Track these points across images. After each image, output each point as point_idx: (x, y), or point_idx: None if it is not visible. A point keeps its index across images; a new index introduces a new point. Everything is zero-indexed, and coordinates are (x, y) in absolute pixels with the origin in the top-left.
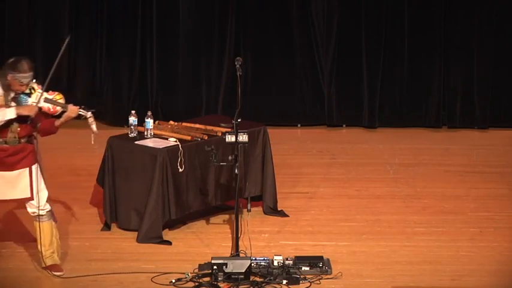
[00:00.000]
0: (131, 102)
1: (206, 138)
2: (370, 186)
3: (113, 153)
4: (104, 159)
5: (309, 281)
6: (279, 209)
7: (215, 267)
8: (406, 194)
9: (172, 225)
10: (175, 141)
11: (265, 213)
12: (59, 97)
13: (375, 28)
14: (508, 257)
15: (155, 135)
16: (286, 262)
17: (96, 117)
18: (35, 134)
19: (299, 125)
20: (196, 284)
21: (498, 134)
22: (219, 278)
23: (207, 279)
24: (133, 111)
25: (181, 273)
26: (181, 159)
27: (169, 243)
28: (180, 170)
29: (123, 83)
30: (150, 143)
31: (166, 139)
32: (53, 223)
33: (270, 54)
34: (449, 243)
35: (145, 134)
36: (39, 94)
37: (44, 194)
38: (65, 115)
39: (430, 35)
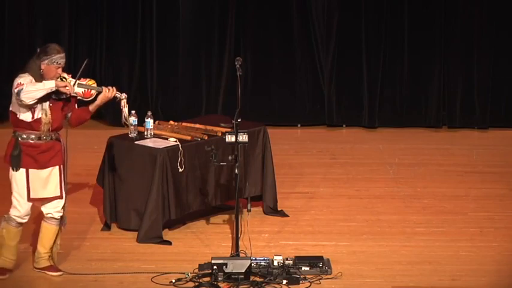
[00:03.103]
0: (131, 102)
1: (206, 138)
2: (370, 186)
3: (113, 153)
4: (104, 159)
5: (309, 281)
6: (279, 209)
7: (215, 267)
8: (406, 194)
9: (172, 225)
10: (175, 141)
11: (265, 213)
12: (91, 82)
13: (375, 28)
14: (507, 257)
15: (155, 135)
16: (286, 262)
17: (97, 117)
18: (60, 133)
19: (299, 125)
20: (196, 284)
21: (498, 134)
22: (219, 278)
23: (207, 279)
24: (133, 111)
25: (181, 273)
26: (181, 159)
27: (169, 243)
28: (180, 170)
29: (123, 83)
30: (150, 143)
31: (166, 139)
32: (61, 227)
33: (270, 54)
34: (449, 243)
35: (145, 134)
36: (73, 81)
37: (64, 196)
38: (100, 97)
39: (430, 35)
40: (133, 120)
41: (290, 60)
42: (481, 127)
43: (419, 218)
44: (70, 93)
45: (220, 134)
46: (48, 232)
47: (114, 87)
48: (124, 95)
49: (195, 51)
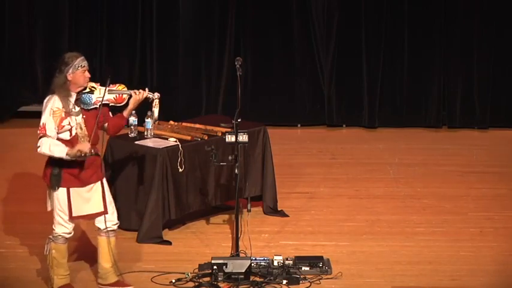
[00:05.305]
0: None
1: (206, 138)
2: (370, 186)
3: (112, 153)
4: (104, 159)
5: (309, 281)
6: (279, 209)
7: (215, 267)
8: (406, 194)
9: (172, 225)
10: (175, 141)
11: (265, 213)
12: (121, 87)
13: (375, 28)
14: (507, 257)
15: (155, 135)
16: (286, 262)
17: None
18: (97, 147)
19: (299, 125)
20: (196, 284)
21: (498, 134)
22: (219, 278)
23: (207, 279)
24: (133, 111)
25: (181, 273)
26: (181, 159)
27: (169, 243)
28: (180, 170)
29: (123, 83)
30: (150, 143)
31: (166, 139)
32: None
33: (270, 54)
34: (449, 243)
35: (145, 134)
36: (102, 89)
37: (114, 207)
38: (131, 100)
39: (430, 35)
40: (133, 120)
41: (290, 60)
42: (481, 127)
43: (419, 218)
44: (85, 152)
45: (220, 134)
46: (108, 246)
47: (146, 89)
48: (157, 95)
49: (195, 51)
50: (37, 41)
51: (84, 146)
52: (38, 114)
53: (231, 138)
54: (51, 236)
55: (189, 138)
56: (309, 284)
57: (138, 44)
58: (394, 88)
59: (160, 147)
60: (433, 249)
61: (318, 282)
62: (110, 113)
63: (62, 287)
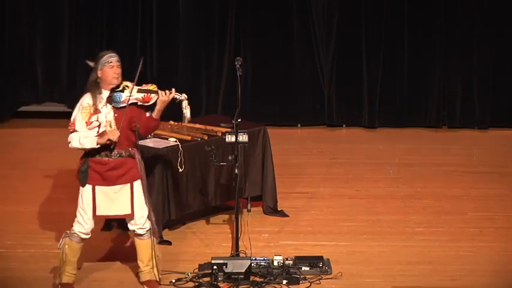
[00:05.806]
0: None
1: (206, 138)
2: (370, 186)
3: None
4: None
5: (309, 281)
6: (279, 209)
7: (215, 267)
8: (406, 194)
9: (172, 225)
10: (175, 141)
11: (265, 213)
12: (152, 87)
13: (375, 28)
14: (507, 257)
15: (155, 135)
16: (286, 262)
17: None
18: (136, 149)
19: (299, 125)
20: (196, 284)
21: (498, 134)
22: (219, 278)
23: (207, 279)
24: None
25: (181, 273)
26: (181, 159)
27: (169, 243)
28: (180, 170)
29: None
30: (150, 143)
31: (166, 139)
32: (154, 240)
33: (270, 54)
34: (449, 243)
35: None
36: (132, 87)
37: (144, 212)
38: (159, 101)
39: (430, 35)
40: None
41: (290, 60)
42: (481, 127)
43: (419, 218)
44: (114, 140)
45: (220, 134)
46: (140, 247)
47: (173, 89)
48: (184, 96)
49: (195, 51)
50: (37, 41)
51: (114, 134)
52: (38, 114)
53: (231, 138)
54: (68, 231)
55: (189, 138)
56: (309, 284)
57: (138, 44)
58: (394, 88)
59: (160, 147)
60: (433, 249)
61: (318, 282)
62: (147, 114)
63: (65, 285)
